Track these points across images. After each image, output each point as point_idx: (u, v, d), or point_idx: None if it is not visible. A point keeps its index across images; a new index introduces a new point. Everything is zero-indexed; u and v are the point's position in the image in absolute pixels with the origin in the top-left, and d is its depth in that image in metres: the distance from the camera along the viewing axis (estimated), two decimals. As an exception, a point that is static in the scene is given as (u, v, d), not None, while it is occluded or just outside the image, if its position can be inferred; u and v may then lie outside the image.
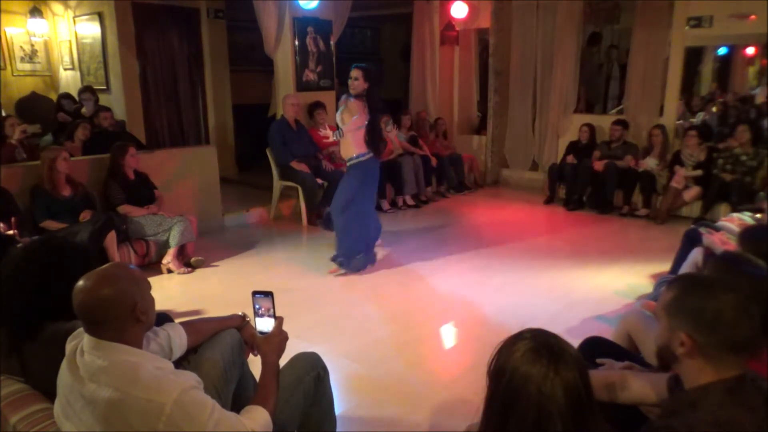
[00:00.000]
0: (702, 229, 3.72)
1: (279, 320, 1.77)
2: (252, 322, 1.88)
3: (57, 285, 1.61)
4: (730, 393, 1.22)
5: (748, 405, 1.20)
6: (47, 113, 6.74)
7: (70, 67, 7.27)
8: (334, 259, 4.56)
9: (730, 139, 5.75)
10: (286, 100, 6.08)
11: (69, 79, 7.32)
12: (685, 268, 3.20)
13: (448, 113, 8.53)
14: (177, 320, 1.92)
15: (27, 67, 7.29)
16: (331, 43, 6.76)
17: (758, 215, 3.87)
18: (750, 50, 7.75)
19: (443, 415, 2.61)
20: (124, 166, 4.63)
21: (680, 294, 1.32)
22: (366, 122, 4.25)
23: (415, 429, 2.52)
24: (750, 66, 8.00)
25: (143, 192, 4.73)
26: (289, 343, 1.79)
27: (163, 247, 4.58)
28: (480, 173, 8.15)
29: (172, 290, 4.28)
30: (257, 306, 1.79)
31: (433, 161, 7.15)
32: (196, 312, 3.66)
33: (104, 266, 1.46)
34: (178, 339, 1.78)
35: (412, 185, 6.82)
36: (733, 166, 5.64)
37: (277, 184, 6.18)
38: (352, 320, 3.69)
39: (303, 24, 6.41)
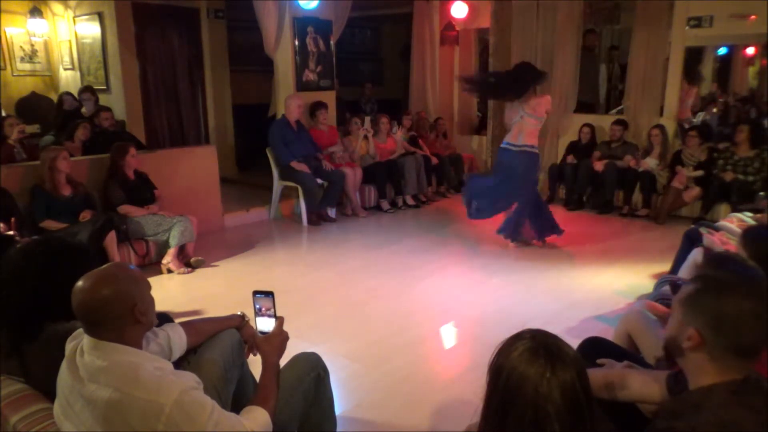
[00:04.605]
0: (702, 229, 3.72)
1: (280, 320, 1.77)
2: (252, 322, 1.88)
3: (56, 285, 1.61)
4: (734, 394, 1.22)
5: (751, 406, 1.20)
6: (47, 113, 6.74)
7: (70, 67, 7.27)
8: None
9: (734, 147, 5.74)
10: (292, 101, 6.05)
11: (69, 79, 7.32)
12: (685, 268, 3.20)
13: (448, 113, 8.53)
14: (177, 320, 1.92)
15: (27, 67, 7.29)
16: (331, 43, 6.76)
17: (758, 215, 3.87)
18: (750, 50, 7.75)
19: (443, 415, 2.61)
20: (124, 167, 4.63)
21: (700, 290, 1.31)
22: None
23: (414, 429, 2.52)
24: (750, 66, 8.01)
25: (143, 192, 4.73)
26: (289, 343, 1.79)
27: (163, 247, 4.58)
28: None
29: (172, 290, 4.28)
30: (258, 306, 1.79)
31: (434, 161, 7.16)
32: (196, 312, 3.66)
33: (104, 266, 1.46)
34: (178, 339, 1.78)
35: (413, 185, 6.83)
36: (733, 166, 5.64)
37: (277, 184, 6.18)
38: (352, 320, 3.69)
39: (303, 24, 6.41)
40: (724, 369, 1.25)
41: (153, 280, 3.19)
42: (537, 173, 5.29)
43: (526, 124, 4.86)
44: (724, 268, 1.64)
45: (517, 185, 4.97)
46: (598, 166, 6.41)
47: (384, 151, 6.87)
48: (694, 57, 6.82)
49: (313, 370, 1.97)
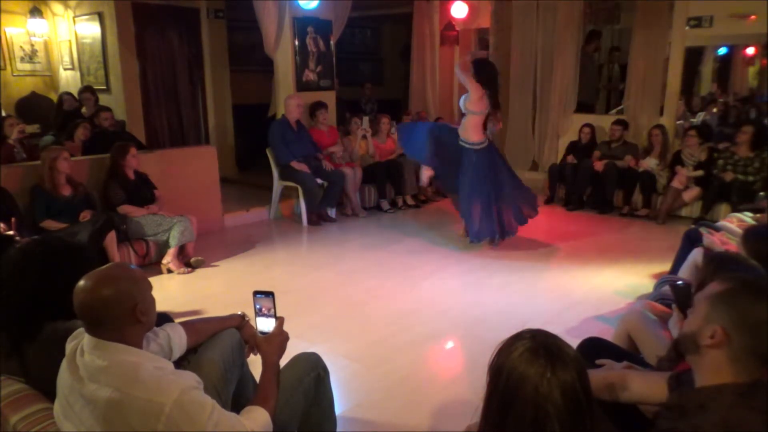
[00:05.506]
0: (702, 229, 3.72)
1: (280, 320, 1.78)
2: (253, 322, 1.88)
3: (56, 285, 1.61)
4: (741, 396, 1.22)
5: (756, 407, 1.19)
6: (47, 113, 6.74)
7: (70, 67, 7.27)
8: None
9: (734, 147, 5.74)
10: (292, 101, 6.05)
11: (69, 79, 7.32)
12: (685, 268, 3.20)
13: (448, 113, 8.53)
14: (177, 320, 1.92)
15: (27, 67, 7.29)
16: (331, 43, 6.76)
17: (758, 215, 3.87)
18: (750, 50, 7.75)
19: (443, 415, 2.61)
20: (125, 167, 4.63)
21: (734, 289, 1.28)
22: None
23: (414, 429, 2.52)
24: (750, 66, 8.01)
25: (143, 192, 4.73)
26: (289, 343, 1.79)
27: (163, 247, 4.58)
28: (480, 173, 8.13)
29: (172, 290, 4.28)
30: (258, 306, 1.79)
31: (434, 161, 7.15)
32: (196, 312, 3.66)
33: (105, 266, 1.46)
34: (178, 339, 1.78)
35: (412, 185, 6.83)
36: (733, 166, 5.64)
37: (277, 184, 6.19)
38: (352, 320, 3.69)
39: (303, 24, 6.41)
40: (739, 370, 1.25)
41: (153, 280, 3.18)
42: (475, 168, 5.02)
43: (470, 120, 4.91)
44: (727, 268, 1.64)
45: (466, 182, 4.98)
46: (598, 166, 6.41)
47: (384, 151, 6.87)
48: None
49: (313, 370, 1.97)
